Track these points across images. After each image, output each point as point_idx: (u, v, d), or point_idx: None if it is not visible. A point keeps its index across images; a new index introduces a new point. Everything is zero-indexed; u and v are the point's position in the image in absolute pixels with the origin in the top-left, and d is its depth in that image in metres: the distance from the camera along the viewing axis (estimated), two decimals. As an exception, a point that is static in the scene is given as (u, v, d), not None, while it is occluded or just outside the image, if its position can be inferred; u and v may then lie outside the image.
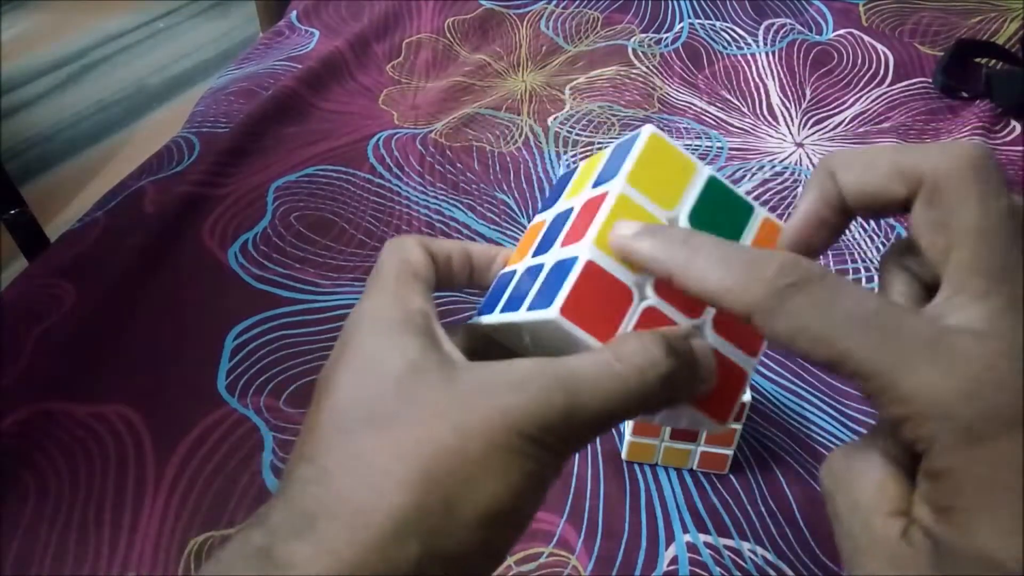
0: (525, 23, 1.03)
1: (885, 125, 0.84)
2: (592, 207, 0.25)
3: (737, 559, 0.47)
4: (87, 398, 0.55)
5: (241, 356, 0.59)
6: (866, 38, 0.97)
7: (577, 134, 0.83)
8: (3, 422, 0.53)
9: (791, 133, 0.84)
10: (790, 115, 0.86)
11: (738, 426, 0.48)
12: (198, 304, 0.63)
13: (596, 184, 0.27)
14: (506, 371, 0.22)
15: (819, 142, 0.82)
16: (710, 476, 0.51)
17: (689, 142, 0.82)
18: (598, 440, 0.53)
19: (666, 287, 0.24)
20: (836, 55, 0.95)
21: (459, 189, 0.75)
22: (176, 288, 0.65)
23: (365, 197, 0.75)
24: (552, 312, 0.23)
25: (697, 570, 0.46)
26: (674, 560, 0.47)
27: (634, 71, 0.93)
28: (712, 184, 0.26)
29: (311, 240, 0.69)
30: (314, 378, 0.29)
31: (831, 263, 0.68)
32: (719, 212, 0.26)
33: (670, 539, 0.48)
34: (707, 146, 0.82)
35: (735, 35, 1.00)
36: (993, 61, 0.91)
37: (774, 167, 0.78)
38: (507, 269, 0.30)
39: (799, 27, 1.01)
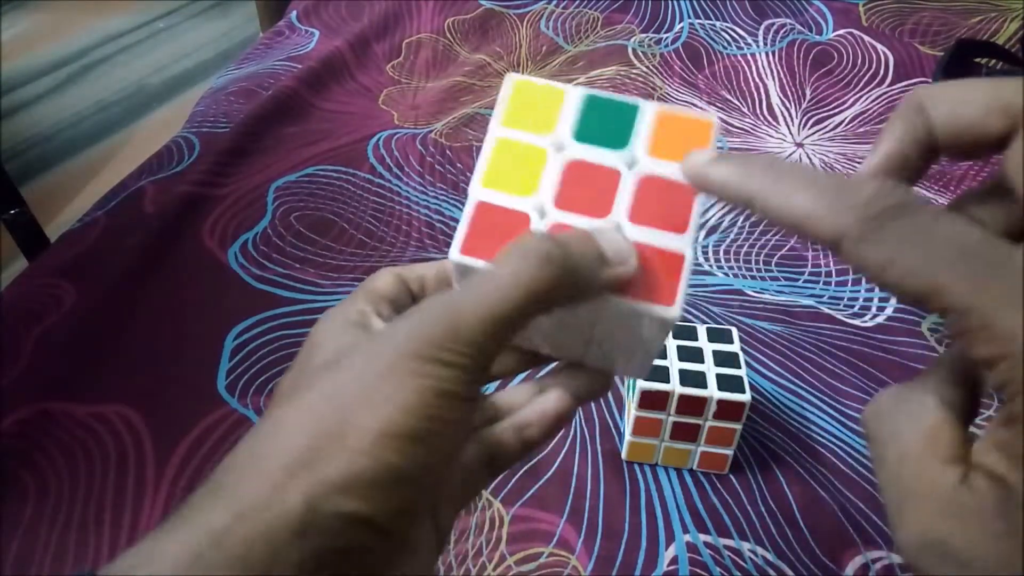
0: (525, 23, 1.03)
1: (885, 125, 0.84)
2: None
3: (737, 559, 0.47)
4: (87, 398, 0.55)
5: (241, 356, 0.59)
6: (866, 38, 0.97)
7: (577, 134, 0.83)
8: (3, 422, 0.53)
9: (791, 133, 0.84)
10: (790, 115, 0.86)
11: (738, 426, 0.48)
12: (198, 304, 0.63)
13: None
14: (406, 313, 0.23)
15: (819, 142, 0.82)
16: (710, 476, 0.51)
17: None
18: (598, 440, 0.53)
19: (568, 199, 0.25)
20: (836, 55, 0.95)
21: (459, 189, 0.75)
22: (176, 288, 0.65)
23: (365, 197, 0.75)
24: (453, 254, 0.25)
25: (697, 570, 0.46)
26: (674, 560, 0.47)
27: (634, 71, 0.93)
28: (590, 100, 0.26)
29: (311, 240, 0.69)
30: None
31: (831, 262, 0.68)
32: (605, 122, 0.26)
33: (670, 539, 0.48)
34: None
35: (735, 35, 1.00)
36: (993, 61, 0.90)
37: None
38: None
39: (799, 27, 1.01)
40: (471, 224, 0.25)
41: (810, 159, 0.80)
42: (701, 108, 0.87)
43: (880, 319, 0.63)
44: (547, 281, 0.22)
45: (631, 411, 0.49)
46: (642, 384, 0.47)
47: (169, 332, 0.61)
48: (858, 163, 0.79)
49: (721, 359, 0.49)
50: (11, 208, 1.14)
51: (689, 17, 1.04)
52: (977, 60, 0.90)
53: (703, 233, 0.71)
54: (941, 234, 0.19)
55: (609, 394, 0.56)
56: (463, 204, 0.27)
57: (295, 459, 0.21)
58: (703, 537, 0.48)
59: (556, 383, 0.28)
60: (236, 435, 0.53)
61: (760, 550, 0.48)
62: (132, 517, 0.49)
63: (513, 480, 0.51)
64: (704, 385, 0.47)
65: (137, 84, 2.00)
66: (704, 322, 0.62)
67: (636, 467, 0.52)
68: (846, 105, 0.88)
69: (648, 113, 0.26)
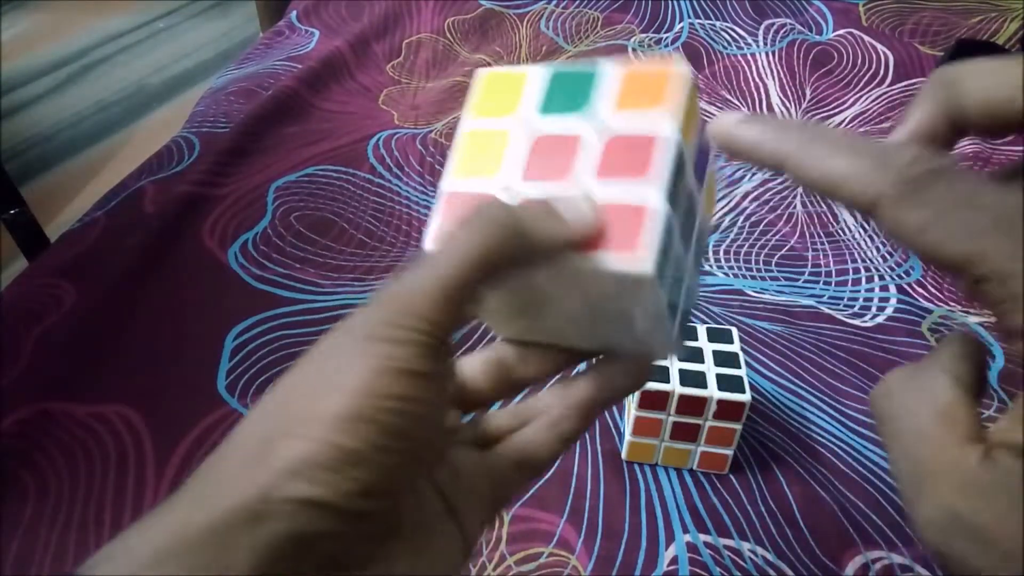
0: (525, 23, 1.03)
1: (885, 125, 0.84)
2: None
3: (737, 559, 0.47)
4: (87, 398, 0.55)
5: (241, 356, 0.59)
6: (866, 38, 0.97)
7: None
8: (3, 422, 0.53)
9: (791, 133, 0.84)
10: (790, 115, 0.86)
11: (738, 426, 0.48)
12: (198, 304, 0.63)
13: None
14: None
15: (819, 142, 0.82)
16: (710, 476, 0.51)
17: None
18: (598, 440, 0.53)
19: (536, 171, 0.25)
20: (836, 55, 0.95)
21: (459, 189, 0.75)
22: (176, 288, 0.65)
23: (365, 197, 0.75)
24: (426, 244, 0.25)
25: (697, 570, 0.46)
26: (674, 560, 0.47)
27: (634, 71, 0.93)
28: (555, 75, 0.26)
29: (311, 240, 0.69)
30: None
31: (831, 263, 0.68)
32: (570, 91, 0.26)
33: (670, 539, 0.48)
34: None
35: (735, 35, 1.00)
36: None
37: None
38: None
39: (799, 27, 1.01)
40: (442, 214, 0.26)
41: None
42: (702, 108, 0.87)
43: (880, 319, 0.63)
44: (494, 243, 0.22)
45: (631, 411, 0.49)
46: (642, 384, 0.47)
47: (169, 332, 0.61)
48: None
49: (721, 359, 0.49)
50: (11, 208, 1.14)
51: (689, 17, 1.04)
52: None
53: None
54: (983, 200, 0.18)
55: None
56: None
57: (250, 452, 0.21)
58: (703, 537, 0.48)
59: (586, 374, 0.28)
60: (236, 435, 0.53)
61: (760, 550, 0.48)
62: (132, 517, 0.49)
63: (513, 480, 0.51)
64: (704, 385, 0.47)
65: (137, 84, 2.00)
66: (704, 322, 0.62)
67: (636, 467, 0.52)
68: (846, 105, 0.88)
69: (612, 73, 0.25)
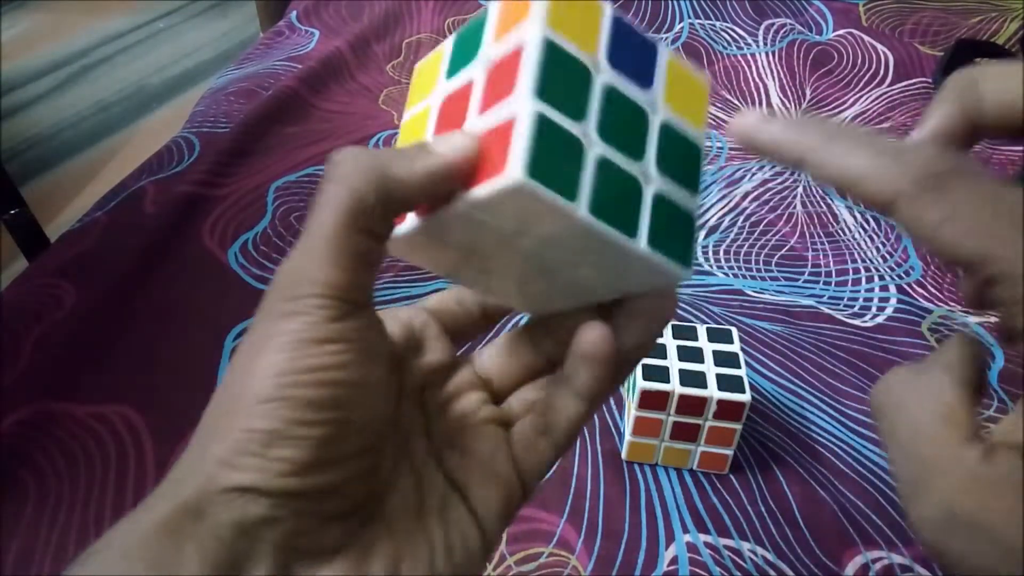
0: (525, 23, 1.03)
1: (885, 125, 0.84)
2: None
3: (737, 559, 0.47)
4: (87, 398, 0.55)
5: (241, 356, 0.58)
6: (866, 38, 0.97)
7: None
8: (3, 422, 0.53)
9: (791, 133, 0.84)
10: (790, 115, 0.86)
11: (738, 426, 0.48)
12: (198, 304, 0.63)
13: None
14: None
15: (819, 142, 0.82)
16: (710, 476, 0.51)
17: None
18: (598, 440, 0.53)
19: (440, 129, 0.25)
20: (836, 55, 0.95)
21: (459, 189, 0.75)
22: (176, 288, 0.65)
23: (365, 197, 0.74)
24: None
25: (697, 570, 0.46)
26: (674, 560, 0.47)
27: (634, 71, 0.93)
28: (457, 39, 0.26)
29: (311, 240, 0.69)
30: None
31: (831, 263, 0.68)
32: (467, 48, 0.25)
33: (670, 539, 0.48)
34: (707, 146, 0.82)
35: (735, 35, 1.00)
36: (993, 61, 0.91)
37: (774, 167, 0.78)
38: None
39: (799, 27, 1.01)
40: None
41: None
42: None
43: (880, 319, 0.63)
44: (362, 187, 0.22)
45: (631, 411, 0.49)
46: (642, 384, 0.47)
47: (169, 332, 0.61)
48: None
49: (721, 359, 0.49)
50: (11, 208, 1.14)
51: (689, 17, 1.04)
52: (977, 60, 0.90)
53: (703, 233, 0.71)
54: (1003, 200, 0.19)
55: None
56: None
57: (195, 447, 0.22)
58: (703, 537, 0.48)
59: (603, 327, 0.25)
60: (236, 435, 0.53)
61: (760, 550, 0.48)
62: (132, 517, 0.49)
63: (513, 480, 0.51)
64: (704, 385, 0.47)
65: (137, 84, 2.00)
66: (704, 322, 0.62)
67: (636, 467, 0.52)
68: (846, 105, 0.88)
69: (492, 10, 0.24)
